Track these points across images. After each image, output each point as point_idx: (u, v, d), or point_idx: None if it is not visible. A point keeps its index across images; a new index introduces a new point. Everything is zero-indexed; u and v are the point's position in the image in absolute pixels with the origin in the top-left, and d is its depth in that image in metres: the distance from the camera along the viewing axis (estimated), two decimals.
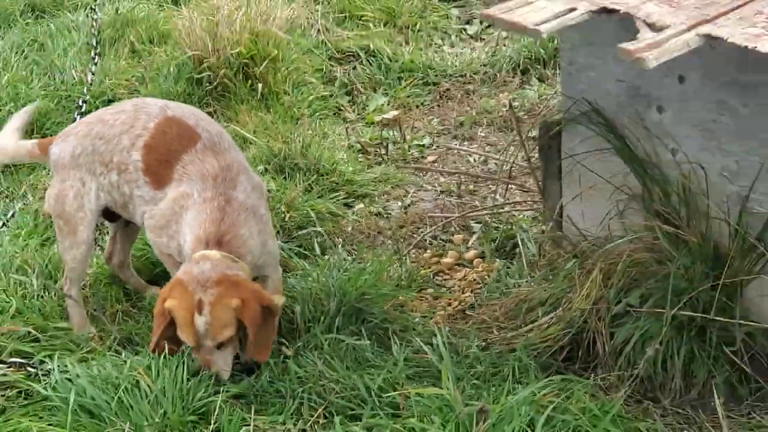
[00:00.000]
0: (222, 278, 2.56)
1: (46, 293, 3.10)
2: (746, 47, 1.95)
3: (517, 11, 2.31)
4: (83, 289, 3.14)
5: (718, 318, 2.52)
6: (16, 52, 4.76)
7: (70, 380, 2.55)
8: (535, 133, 3.24)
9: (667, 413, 2.55)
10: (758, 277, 2.54)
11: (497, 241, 3.39)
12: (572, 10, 2.13)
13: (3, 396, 2.63)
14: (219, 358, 2.62)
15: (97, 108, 3.73)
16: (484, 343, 2.81)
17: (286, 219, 3.46)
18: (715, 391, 2.50)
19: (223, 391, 2.56)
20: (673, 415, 2.54)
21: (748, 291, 2.58)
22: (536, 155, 3.14)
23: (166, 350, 2.62)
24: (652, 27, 1.92)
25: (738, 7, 2.14)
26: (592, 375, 2.64)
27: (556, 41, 4.23)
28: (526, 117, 4.16)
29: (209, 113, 3.74)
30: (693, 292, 2.55)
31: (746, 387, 2.55)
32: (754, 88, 2.40)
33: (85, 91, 4.36)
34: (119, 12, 5.06)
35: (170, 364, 2.57)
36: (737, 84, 2.44)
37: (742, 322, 2.53)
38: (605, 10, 2.10)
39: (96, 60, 4.61)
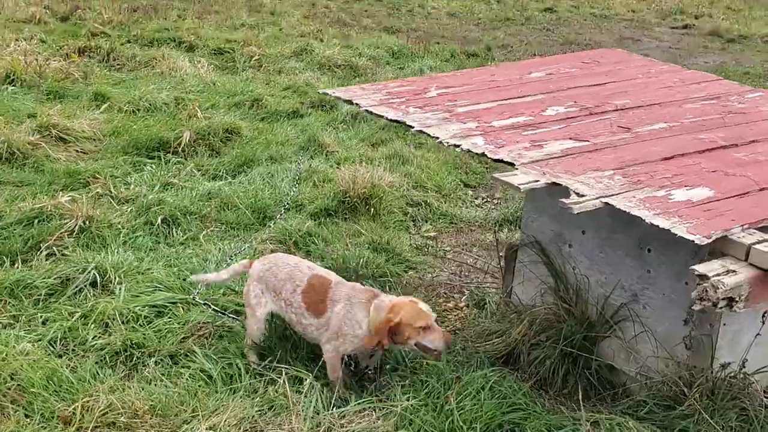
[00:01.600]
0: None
1: None
2: (620, 210, 4.33)
3: (510, 178, 4.66)
4: None
5: (584, 353, 4.83)
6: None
7: None
8: (502, 251, 5.69)
9: (551, 398, 4.77)
10: (607, 337, 4.85)
11: (476, 300, 5.78)
12: (537, 180, 4.36)
13: None
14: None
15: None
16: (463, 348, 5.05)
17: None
18: (579, 391, 4.64)
19: None
20: (554, 400, 4.76)
21: (602, 344, 4.86)
22: (502, 261, 5.59)
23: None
24: (578, 194, 4.14)
25: (627, 191, 4.03)
26: (516, 373, 4.88)
27: (518, 212, 6.92)
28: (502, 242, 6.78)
29: (345, 219, 6.99)
30: (574, 339, 4.88)
31: (594, 390, 4.79)
32: (616, 241, 4.83)
33: (288, 200, 7.31)
34: (311, 166, 8.27)
35: None
36: (610, 238, 4.84)
37: (595, 358, 4.80)
38: (554, 183, 4.35)
39: (297, 186, 7.66)
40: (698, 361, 4.38)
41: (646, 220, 3.64)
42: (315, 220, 6.99)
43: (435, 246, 7.04)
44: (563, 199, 3.81)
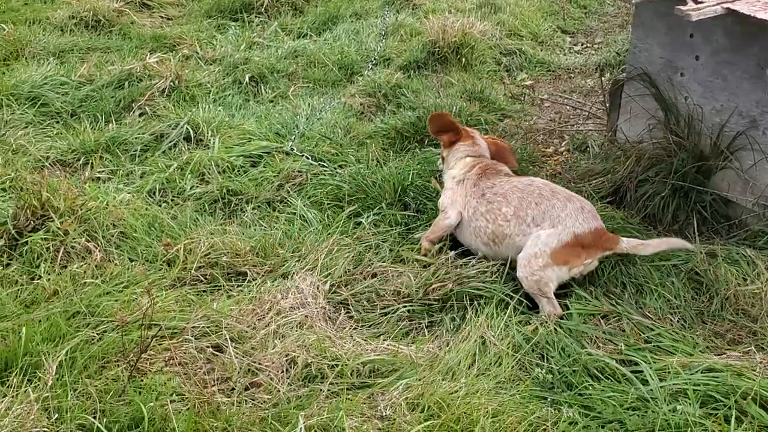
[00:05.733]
0: None
1: None
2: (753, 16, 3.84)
3: None
4: None
5: (696, 186, 4.56)
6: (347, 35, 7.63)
7: None
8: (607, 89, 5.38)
9: (661, 234, 4.56)
10: (723, 168, 4.55)
11: (577, 144, 5.54)
12: None
13: None
14: None
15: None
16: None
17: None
18: (693, 225, 4.43)
19: None
20: (665, 235, 4.54)
21: (715, 177, 4.57)
22: (607, 98, 5.28)
23: None
24: (696, 1, 3.83)
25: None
26: (623, 209, 4.67)
27: (621, 54, 6.55)
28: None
29: (435, 71, 6.71)
30: (685, 172, 4.60)
31: (706, 225, 4.56)
32: (733, 64, 4.47)
33: (375, 55, 7.05)
34: (398, 20, 7.89)
35: None
36: (727, 62, 4.49)
37: (709, 190, 4.56)
38: None
39: (383, 40, 7.35)
40: None
41: None
42: (404, 73, 6.76)
43: (532, 94, 6.74)
44: (681, 6, 3.46)
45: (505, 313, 3.68)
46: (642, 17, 4.78)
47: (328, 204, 4.68)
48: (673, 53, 4.66)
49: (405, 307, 3.78)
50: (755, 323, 3.67)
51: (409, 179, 4.73)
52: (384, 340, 3.57)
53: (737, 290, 3.80)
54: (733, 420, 2.92)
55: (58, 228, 4.07)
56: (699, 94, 4.58)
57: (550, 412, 3.06)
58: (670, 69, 4.71)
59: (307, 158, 5.16)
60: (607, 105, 5.27)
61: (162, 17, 8.30)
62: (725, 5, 3.47)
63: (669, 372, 3.21)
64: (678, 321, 3.73)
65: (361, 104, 6.28)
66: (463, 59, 6.95)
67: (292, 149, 5.28)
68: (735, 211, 4.51)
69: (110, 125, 5.72)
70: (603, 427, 3.03)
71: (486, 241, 4.11)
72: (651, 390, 3.11)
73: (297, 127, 5.62)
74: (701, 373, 3.17)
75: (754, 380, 3.07)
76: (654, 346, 3.47)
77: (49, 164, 5.14)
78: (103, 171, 5.11)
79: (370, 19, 8.03)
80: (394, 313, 3.77)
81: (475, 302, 3.78)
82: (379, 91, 6.44)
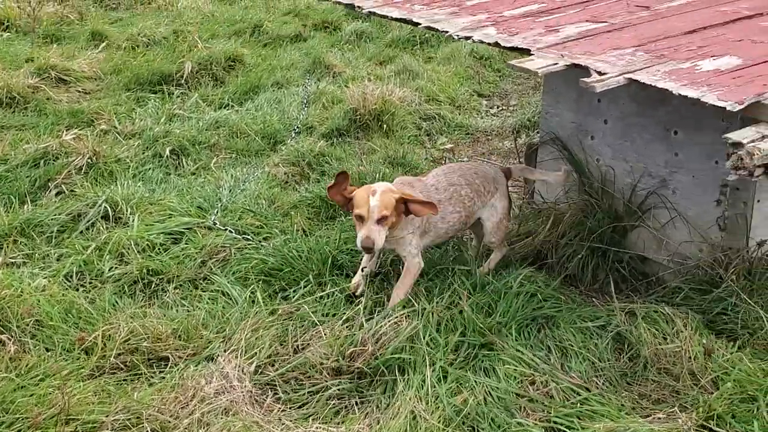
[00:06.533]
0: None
1: None
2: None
3: (526, 63, 4.45)
4: None
5: (613, 248, 4.67)
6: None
7: None
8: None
9: (582, 293, 4.63)
10: (637, 227, 4.69)
11: None
12: (555, 63, 4.17)
13: None
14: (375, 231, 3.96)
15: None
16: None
17: None
18: (611, 283, 4.50)
19: None
20: (585, 295, 4.63)
21: (631, 235, 4.71)
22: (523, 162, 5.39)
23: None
24: (599, 73, 3.96)
25: (650, 66, 3.80)
26: (544, 270, 4.74)
27: (535, 116, 6.72)
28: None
29: (357, 138, 6.78)
30: (601, 232, 4.71)
31: (626, 283, 4.66)
32: (641, 127, 4.63)
33: (298, 123, 7.11)
34: (319, 88, 7.94)
35: None
36: (635, 125, 4.66)
37: (624, 251, 4.67)
38: (574, 65, 4.16)
39: (306, 109, 7.44)
40: (733, 241, 4.22)
41: (674, 92, 3.42)
42: (327, 141, 6.80)
43: (452, 157, 6.85)
44: (585, 79, 3.58)
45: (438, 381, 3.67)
46: (552, 84, 4.93)
47: (254, 278, 4.63)
48: (583, 118, 4.81)
49: (334, 385, 3.72)
50: (677, 382, 3.74)
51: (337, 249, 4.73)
52: (314, 421, 3.52)
53: (658, 349, 3.87)
54: None
55: None
56: (609, 156, 4.72)
57: None
58: (580, 133, 4.86)
59: (231, 232, 5.12)
60: None
61: (79, 91, 8.18)
62: (627, 76, 3.61)
63: None
64: (603, 383, 3.78)
65: (285, 173, 6.28)
66: (384, 125, 7.05)
67: (214, 223, 5.23)
68: (652, 268, 4.64)
69: (25, 206, 5.57)
70: None
71: (459, 226, 4.53)
72: None
73: (220, 200, 5.56)
74: None
75: None
76: (581, 411, 3.50)
77: None
78: (17, 255, 4.96)
79: (292, 88, 8.10)
80: (324, 391, 3.71)
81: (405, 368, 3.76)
82: (303, 160, 6.46)
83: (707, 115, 3.89)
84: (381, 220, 4.01)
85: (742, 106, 3.31)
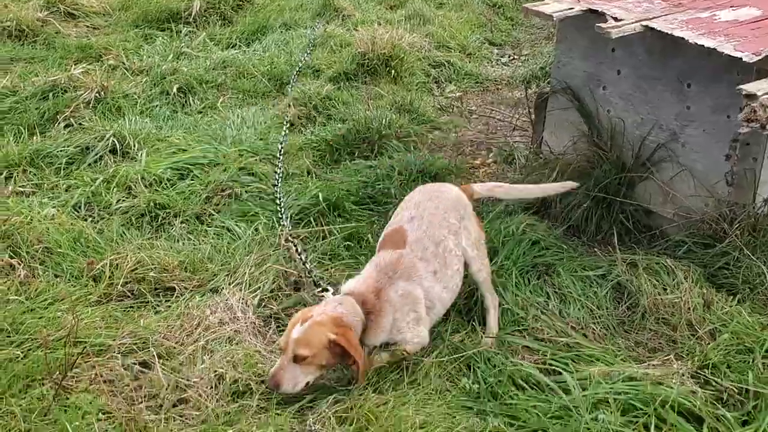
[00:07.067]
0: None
1: None
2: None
3: (541, 7, 4.43)
4: None
5: (618, 198, 4.69)
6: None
7: None
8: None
9: (584, 244, 4.66)
10: (645, 179, 4.68)
11: (504, 155, 5.63)
12: (571, 8, 4.15)
13: None
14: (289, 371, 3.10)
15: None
16: None
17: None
18: (615, 235, 4.53)
19: None
20: (588, 246, 4.66)
21: (637, 188, 4.70)
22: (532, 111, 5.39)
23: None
24: (616, 19, 3.94)
25: (668, 14, 3.88)
26: (546, 220, 4.76)
27: (547, 67, 6.69)
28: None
29: (365, 82, 6.74)
30: (607, 184, 4.72)
31: (629, 235, 4.68)
32: (654, 79, 4.61)
33: (300, 64, 7.11)
34: (326, 31, 7.88)
35: None
36: (648, 77, 4.63)
37: (630, 201, 4.69)
38: (590, 10, 4.12)
39: (310, 51, 7.44)
40: (740, 197, 4.23)
41: (690, 41, 3.41)
42: (334, 84, 6.77)
43: (460, 106, 6.83)
44: (600, 24, 3.56)
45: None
46: (565, 32, 4.90)
47: (260, 214, 4.67)
48: (595, 67, 4.78)
49: None
50: (675, 332, 3.79)
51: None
52: None
53: (657, 299, 3.91)
54: (652, 428, 3.01)
55: None
56: (621, 107, 4.71)
57: (477, 422, 3.11)
58: (592, 83, 4.84)
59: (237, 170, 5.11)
60: (533, 118, 5.39)
61: (88, 27, 8.15)
62: (644, 23, 3.59)
63: (591, 381, 3.28)
64: (600, 330, 3.83)
65: (291, 116, 6.27)
66: (393, 71, 7.01)
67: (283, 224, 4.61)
68: (656, 221, 4.65)
69: (35, 138, 5.58)
70: None
71: (460, 281, 3.74)
72: (574, 399, 3.18)
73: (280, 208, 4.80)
74: (622, 382, 3.25)
75: (672, 389, 3.17)
76: (576, 355, 3.55)
77: None
78: (26, 185, 4.98)
79: (300, 30, 8.03)
80: None
81: None
82: (310, 103, 6.44)
83: (722, 67, 3.87)
84: (299, 359, 3.15)
85: (758, 57, 3.30)
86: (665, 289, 4.00)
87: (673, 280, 4.05)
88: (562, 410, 3.14)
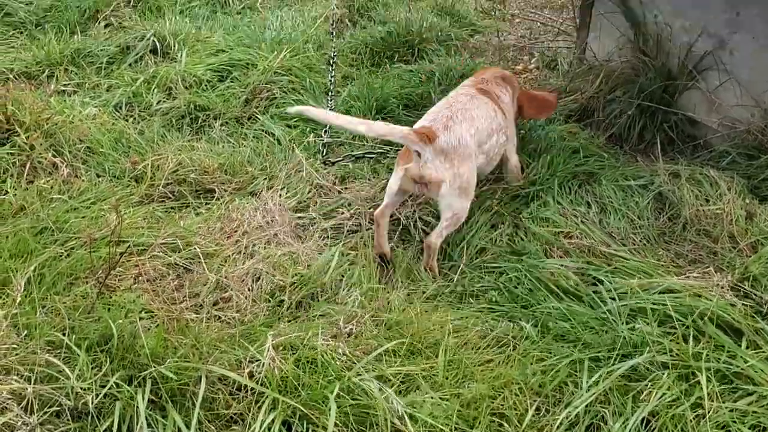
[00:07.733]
0: None
1: None
2: None
3: None
4: None
5: (662, 107, 4.60)
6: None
7: None
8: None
9: (626, 153, 4.61)
10: (690, 88, 4.59)
11: (547, 61, 5.51)
12: None
13: None
14: None
15: None
16: None
17: None
18: (657, 144, 4.50)
19: None
20: (630, 155, 4.61)
21: (682, 97, 4.62)
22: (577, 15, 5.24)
23: None
24: None
25: None
26: (589, 128, 4.71)
27: None
28: None
29: None
30: (652, 92, 4.62)
31: (672, 145, 4.62)
32: None
33: None
34: None
35: None
36: None
37: (675, 110, 4.61)
38: None
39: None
40: None
41: None
42: None
43: (502, 9, 6.66)
44: None
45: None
46: None
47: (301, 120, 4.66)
48: None
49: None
50: (715, 243, 3.74)
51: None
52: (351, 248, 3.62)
53: (699, 210, 3.87)
54: (691, 339, 3.01)
55: (24, 143, 4.02)
56: (669, 12, 4.56)
57: (512, 327, 3.14)
58: None
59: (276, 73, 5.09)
60: (577, 22, 5.24)
61: None
62: None
63: (629, 292, 3.28)
64: (640, 240, 3.81)
65: (334, 14, 6.18)
66: None
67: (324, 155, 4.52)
68: (700, 131, 4.56)
69: (75, 36, 5.59)
70: (561, 344, 3.11)
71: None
72: (610, 309, 3.19)
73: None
74: (661, 293, 3.25)
75: (711, 301, 3.16)
76: (614, 267, 3.54)
77: (14, 77, 5.03)
78: (68, 84, 5.02)
79: None
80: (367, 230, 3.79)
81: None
82: (353, 4, 6.34)
83: None
84: None
85: None
86: (707, 200, 3.94)
87: (716, 191, 3.99)
88: (598, 320, 3.16)
